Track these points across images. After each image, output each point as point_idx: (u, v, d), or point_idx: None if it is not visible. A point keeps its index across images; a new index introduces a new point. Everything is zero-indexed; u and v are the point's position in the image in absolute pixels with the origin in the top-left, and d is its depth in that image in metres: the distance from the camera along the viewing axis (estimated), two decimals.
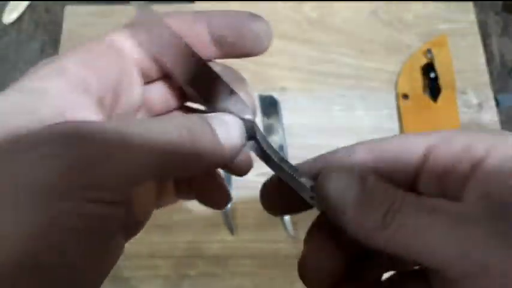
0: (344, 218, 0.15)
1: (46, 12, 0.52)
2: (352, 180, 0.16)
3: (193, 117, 0.16)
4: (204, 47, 0.18)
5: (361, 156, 0.18)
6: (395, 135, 0.18)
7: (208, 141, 0.16)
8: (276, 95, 0.46)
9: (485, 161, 0.16)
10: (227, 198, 0.21)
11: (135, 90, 0.18)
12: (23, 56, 0.50)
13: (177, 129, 0.15)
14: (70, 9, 0.50)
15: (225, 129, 0.17)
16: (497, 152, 0.16)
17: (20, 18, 0.52)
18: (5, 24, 0.51)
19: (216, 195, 0.21)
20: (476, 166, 0.16)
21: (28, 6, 0.52)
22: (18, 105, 0.15)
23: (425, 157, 0.17)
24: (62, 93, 0.15)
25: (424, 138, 0.17)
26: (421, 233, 0.14)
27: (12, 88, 0.16)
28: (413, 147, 0.17)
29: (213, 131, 0.16)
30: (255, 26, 0.18)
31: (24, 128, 0.14)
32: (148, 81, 0.19)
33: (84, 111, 0.15)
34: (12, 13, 0.51)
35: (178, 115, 0.20)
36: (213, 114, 0.17)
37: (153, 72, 0.18)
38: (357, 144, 0.18)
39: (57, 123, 0.14)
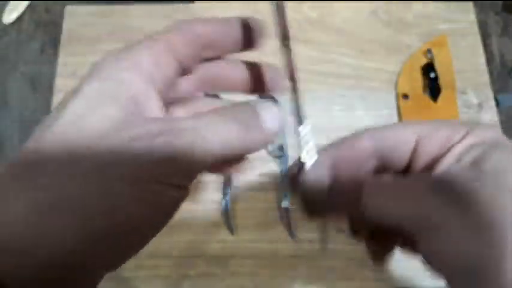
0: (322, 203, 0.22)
1: (46, 12, 0.52)
2: (323, 172, 0.23)
3: (246, 107, 0.19)
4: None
5: (365, 145, 0.22)
6: (395, 123, 0.23)
7: (257, 131, 0.19)
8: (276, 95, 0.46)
9: (453, 149, 0.20)
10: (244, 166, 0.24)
11: (180, 85, 0.21)
12: (23, 56, 0.50)
13: (236, 124, 0.18)
14: (70, 9, 0.50)
15: (271, 117, 0.20)
16: (466, 141, 0.20)
17: (20, 18, 0.52)
18: (5, 24, 0.51)
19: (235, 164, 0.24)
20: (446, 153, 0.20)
21: (28, 6, 0.52)
22: (101, 92, 0.17)
23: (415, 147, 0.21)
24: (136, 84, 0.18)
25: (415, 129, 0.21)
26: (384, 206, 0.20)
27: (94, 77, 0.18)
28: (406, 138, 0.21)
29: (260, 120, 0.19)
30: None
31: (109, 117, 0.17)
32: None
33: (152, 101, 0.18)
34: (12, 13, 0.51)
35: (221, 103, 0.23)
36: (261, 101, 0.20)
37: (189, 68, 0.21)
38: (364, 132, 0.22)
39: (149, 121, 0.17)
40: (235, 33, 0.21)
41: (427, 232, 0.19)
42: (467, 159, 0.19)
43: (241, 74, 0.22)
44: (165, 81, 0.19)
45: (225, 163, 0.23)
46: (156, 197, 0.17)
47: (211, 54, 0.21)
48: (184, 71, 0.21)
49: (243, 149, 0.19)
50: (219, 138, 0.17)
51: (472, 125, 0.21)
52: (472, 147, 0.20)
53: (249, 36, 0.22)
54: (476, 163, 0.19)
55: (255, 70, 0.23)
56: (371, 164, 0.22)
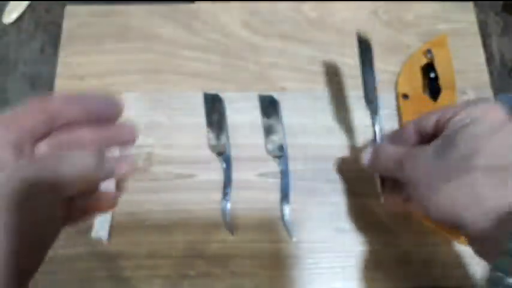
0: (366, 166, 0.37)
1: (46, 12, 0.52)
2: (371, 149, 0.37)
3: (94, 153, 0.27)
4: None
5: (410, 128, 0.35)
6: (428, 112, 0.34)
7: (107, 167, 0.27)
8: (276, 95, 0.46)
9: (448, 123, 0.31)
10: (113, 198, 0.30)
11: (40, 146, 0.26)
12: (23, 56, 0.50)
13: (91, 159, 0.26)
14: (70, 9, 0.50)
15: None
16: (457, 117, 0.30)
17: (20, 18, 0.52)
18: (5, 24, 0.51)
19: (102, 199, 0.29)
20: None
21: (28, 6, 0.52)
22: None
23: (436, 124, 0.32)
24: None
25: (437, 113, 0.32)
26: (386, 165, 0.35)
27: None
28: (431, 119, 0.33)
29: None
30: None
31: None
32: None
33: (6, 159, 0.24)
34: (12, 13, 0.51)
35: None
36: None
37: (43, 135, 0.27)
38: (410, 122, 0.35)
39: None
40: (85, 108, 0.27)
41: (405, 186, 0.32)
42: (452, 127, 0.30)
43: (93, 136, 0.28)
44: (21, 143, 0.25)
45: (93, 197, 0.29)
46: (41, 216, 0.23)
47: (65, 123, 0.27)
48: (42, 135, 0.26)
49: (92, 177, 0.26)
50: (79, 172, 0.25)
51: (467, 104, 0.31)
52: (460, 120, 0.30)
53: (105, 110, 0.28)
54: (450, 133, 0.30)
55: (108, 129, 0.28)
56: (413, 138, 0.35)
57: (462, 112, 0.30)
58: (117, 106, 0.28)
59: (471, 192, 0.27)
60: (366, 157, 0.37)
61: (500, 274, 0.23)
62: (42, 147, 0.27)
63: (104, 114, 0.28)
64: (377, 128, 0.39)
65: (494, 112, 0.29)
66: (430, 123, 0.33)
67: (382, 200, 0.38)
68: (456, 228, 0.29)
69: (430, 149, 0.30)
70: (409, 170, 0.31)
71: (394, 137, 0.37)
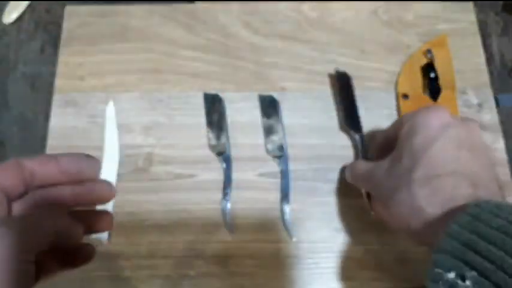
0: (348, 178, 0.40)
1: (46, 12, 0.52)
2: (349, 164, 0.41)
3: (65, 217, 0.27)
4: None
5: (380, 137, 0.39)
6: (388, 126, 0.38)
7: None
8: (276, 95, 0.46)
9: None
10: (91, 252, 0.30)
11: (16, 204, 0.27)
12: (23, 56, 0.50)
13: (64, 220, 0.26)
14: (70, 9, 0.50)
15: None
16: (405, 127, 0.33)
17: (20, 18, 0.52)
18: (5, 24, 0.51)
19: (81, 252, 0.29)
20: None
21: (28, 6, 0.52)
22: None
23: (395, 132, 0.34)
24: None
25: (392, 127, 0.37)
26: (357, 179, 0.39)
27: None
28: (391, 132, 0.36)
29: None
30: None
31: None
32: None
33: None
34: (12, 13, 0.51)
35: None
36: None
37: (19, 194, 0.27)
38: (377, 131, 0.41)
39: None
40: (62, 169, 0.27)
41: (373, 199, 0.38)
42: (400, 140, 0.33)
43: (70, 194, 0.28)
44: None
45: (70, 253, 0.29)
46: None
47: (42, 183, 0.27)
48: (18, 196, 0.26)
49: (68, 235, 0.26)
50: (51, 231, 0.25)
51: (413, 114, 0.33)
52: (405, 132, 0.32)
53: (82, 170, 0.28)
54: (398, 147, 0.33)
55: (85, 187, 0.28)
56: (383, 151, 0.36)
57: (407, 123, 0.32)
58: (94, 165, 0.29)
59: (411, 203, 0.30)
60: (346, 173, 0.41)
61: (439, 270, 0.25)
62: (18, 207, 0.26)
63: (81, 174, 0.28)
64: (359, 146, 0.43)
65: (436, 118, 0.31)
66: (391, 136, 0.35)
67: (371, 213, 0.40)
68: (408, 235, 0.31)
69: (385, 163, 0.33)
70: (371, 184, 0.35)
71: (372, 151, 0.41)
